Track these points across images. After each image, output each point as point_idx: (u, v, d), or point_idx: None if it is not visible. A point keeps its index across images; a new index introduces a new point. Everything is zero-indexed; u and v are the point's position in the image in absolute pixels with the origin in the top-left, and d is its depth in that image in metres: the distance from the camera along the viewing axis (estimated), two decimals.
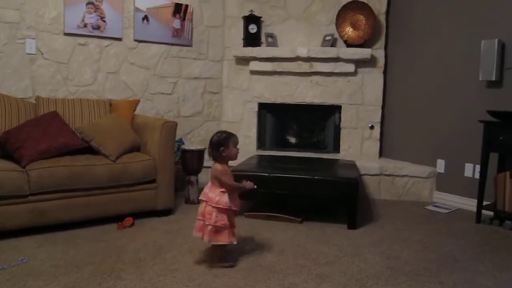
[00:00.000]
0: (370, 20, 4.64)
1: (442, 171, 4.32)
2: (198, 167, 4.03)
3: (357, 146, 4.87)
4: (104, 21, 4.21)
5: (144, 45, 4.51)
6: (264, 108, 5.07)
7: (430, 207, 4.10)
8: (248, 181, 2.70)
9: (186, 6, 4.71)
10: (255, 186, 2.71)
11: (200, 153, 4.01)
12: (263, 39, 4.91)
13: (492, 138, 3.54)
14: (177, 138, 4.08)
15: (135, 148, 3.58)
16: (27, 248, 2.76)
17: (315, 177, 3.47)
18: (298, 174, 3.53)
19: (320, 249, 2.94)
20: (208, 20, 4.92)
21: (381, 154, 4.90)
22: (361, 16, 4.68)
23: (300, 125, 5.26)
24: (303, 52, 4.68)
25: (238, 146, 2.68)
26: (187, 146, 4.15)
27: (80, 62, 4.15)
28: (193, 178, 3.98)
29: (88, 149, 3.37)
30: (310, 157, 4.52)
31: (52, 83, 4.02)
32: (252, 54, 4.80)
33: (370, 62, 4.73)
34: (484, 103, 3.84)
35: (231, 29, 5.01)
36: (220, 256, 2.62)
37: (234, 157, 2.65)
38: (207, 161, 4.33)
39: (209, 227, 2.51)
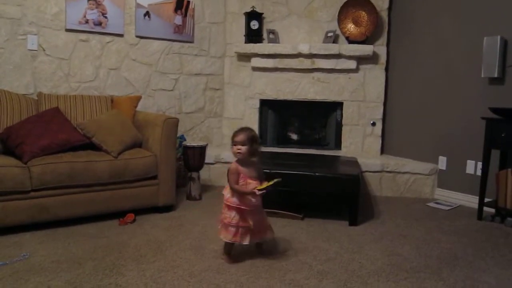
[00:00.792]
0: (372, 16, 4.63)
1: (443, 168, 4.31)
2: (199, 164, 4.03)
3: (359, 143, 4.86)
4: (106, 17, 4.21)
5: (146, 41, 4.50)
6: (266, 105, 5.07)
7: (432, 204, 4.10)
8: (256, 189, 2.51)
9: (188, 2, 4.70)
10: (257, 192, 2.50)
11: (201, 149, 4.01)
12: (264, 35, 4.89)
13: (494, 135, 3.54)
14: (179, 134, 4.08)
15: (137, 145, 3.58)
16: (28, 244, 2.77)
17: (317, 174, 3.46)
18: (299, 171, 3.53)
19: (321, 245, 2.94)
20: (209, 16, 4.91)
21: (382, 151, 4.89)
22: (363, 13, 4.66)
23: (301, 121, 5.26)
24: (304, 48, 4.67)
25: (241, 143, 2.61)
26: (189, 142, 4.15)
27: (81, 58, 4.15)
28: (194, 174, 3.99)
29: (90, 145, 3.38)
30: (312, 153, 4.52)
31: (54, 79, 4.02)
32: (254, 51, 4.79)
33: (372, 58, 4.72)
34: (486, 100, 3.83)
35: (232, 26, 5.00)
36: (226, 251, 2.64)
37: (234, 155, 2.64)
38: (209, 157, 4.35)
39: (222, 222, 2.60)
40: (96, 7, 4.14)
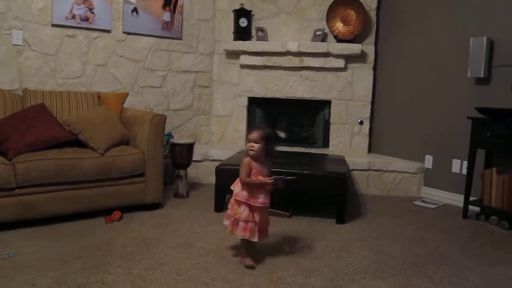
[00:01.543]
0: (361, 15, 4.65)
1: (430, 166, 4.35)
2: (187, 161, 4.01)
3: (346, 141, 4.89)
4: (93, 12, 4.16)
5: (133, 38, 4.47)
6: (254, 103, 5.06)
7: (418, 203, 4.14)
8: (273, 178, 2.52)
9: None
10: (271, 180, 2.50)
11: (189, 147, 4.00)
12: (253, 33, 4.89)
13: (479, 134, 3.58)
14: (167, 132, 4.06)
15: (124, 142, 3.55)
16: (13, 242, 2.73)
17: (304, 172, 3.47)
18: (287, 169, 3.53)
19: (308, 243, 2.95)
20: (198, 13, 4.89)
21: (370, 150, 4.92)
22: (352, 12, 4.68)
23: (290, 120, 5.27)
24: (293, 46, 4.67)
25: (254, 141, 2.55)
26: (177, 140, 4.13)
27: (68, 54, 4.10)
28: (182, 172, 3.97)
29: (76, 142, 3.34)
30: (300, 151, 4.53)
31: (40, 75, 3.97)
32: (243, 48, 4.78)
33: (360, 57, 4.74)
34: (473, 100, 3.88)
35: (221, 23, 4.98)
36: (244, 252, 2.60)
37: (247, 152, 2.59)
38: (196, 155, 4.33)
39: (232, 218, 2.56)
40: (83, 2, 4.10)
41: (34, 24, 3.90)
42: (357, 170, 4.43)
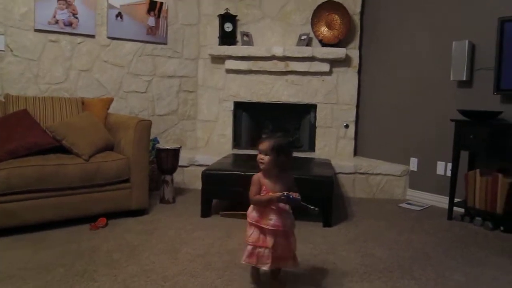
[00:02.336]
0: (345, 20, 4.69)
1: (415, 169, 4.39)
2: (173, 167, 3.98)
3: (332, 145, 4.91)
4: (76, 17, 4.13)
5: (118, 43, 4.44)
6: (240, 107, 5.06)
7: (403, 205, 4.16)
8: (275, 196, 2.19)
9: (161, 3, 4.66)
10: (283, 197, 2.16)
11: (175, 152, 3.97)
12: (238, 37, 4.89)
13: (462, 136, 3.62)
14: (152, 137, 4.04)
15: (109, 147, 3.52)
16: None
17: (291, 176, 3.47)
18: None
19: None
20: (183, 18, 4.88)
21: (355, 153, 4.95)
22: (336, 16, 4.71)
23: (275, 124, 5.27)
24: (278, 51, 4.69)
25: (264, 153, 2.25)
26: (162, 145, 4.10)
27: (51, 59, 4.06)
28: (168, 177, 3.94)
29: (60, 149, 3.29)
30: None
31: (22, 81, 3.92)
32: (228, 53, 4.78)
33: (344, 61, 4.77)
34: (455, 103, 3.92)
35: (206, 28, 4.98)
36: (252, 278, 2.38)
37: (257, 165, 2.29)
38: (182, 160, 4.31)
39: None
40: (67, 7, 4.06)
41: (16, 29, 3.85)
42: (343, 173, 4.44)
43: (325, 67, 4.76)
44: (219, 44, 4.85)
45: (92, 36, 4.26)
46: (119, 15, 4.39)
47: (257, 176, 2.27)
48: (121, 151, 3.49)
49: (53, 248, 2.76)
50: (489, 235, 3.35)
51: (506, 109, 3.58)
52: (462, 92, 3.96)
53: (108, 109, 3.86)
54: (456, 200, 3.74)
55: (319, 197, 3.43)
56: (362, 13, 4.85)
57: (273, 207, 2.21)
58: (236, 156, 4.36)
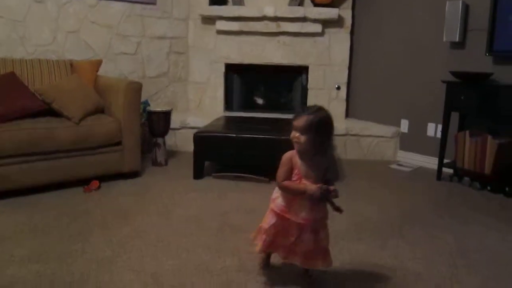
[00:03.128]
0: None
1: (405, 130, 4.42)
2: (164, 129, 3.98)
3: (324, 107, 4.89)
4: None
5: (105, 3, 4.32)
6: (231, 69, 5.01)
7: (394, 166, 4.22)
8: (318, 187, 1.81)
9: None
10: (320, 194, 1.81)
11: (166, 114, 3.95)
12: None
13: (453, 98, 3.63)
14: (143, 99, 3.99)
15: (99, 110, 3.49)
16: None
17: (282, 137, 3.48)
18: (265, 135, 3.55)
19: None
20: None
21: (347, 115, 4.96)
22: None
23: (267, 86, 5.24)
24: (270, 11, 4.60)
25: (299, 130, 1.83)
26: (153, 107, 4.08)
27: (37, 20, 3.95)
28: (160, 140, 3.94)
29: (50, 112, 3.26)
30: (278, 118, 4.53)
31: (8, 43, 3.82)
32: (218, 13, 4.69)
33: (337, 22, 4.70)
34: (448, 64, 3.91)
35: None
36: (260, 260, 2.14)
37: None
38: (174, 123, 4.29)
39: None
40: None
41: None
42: (335, 135, 4.46)
43: (317, 28, 4.69)
44: (209, 4, 4.74)
45: None
46: None
47: (290, 155, 1.88)
48: (111, 114, 3.47)
49: (48, 211, 2.78)
50: (477, 195, 3.42)
51: (498, 70, 3.58)
52: (454, 53, 3.94)
53: (97, 71, 3.80)
54: (445, 161, 3.79)
55: None
56: None
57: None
58: (227, 118, 4.36)
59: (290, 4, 4.70)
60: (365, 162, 4.35)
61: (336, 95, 4.88)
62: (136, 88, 3.47)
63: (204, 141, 3.57)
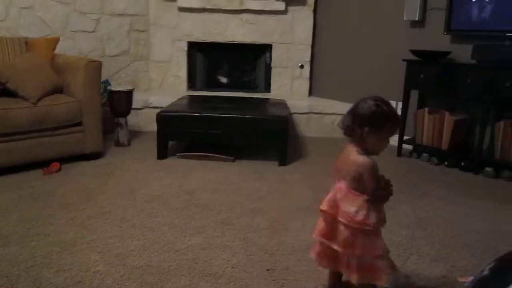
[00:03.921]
0: None
1: None
2: (126, 109, 3.90)
3: (288, 85, 4.93)
4: None
5: None
6: (194, 47, 4.94)
7: None
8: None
9: None
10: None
11: (128, 94, 3.87)
12: None
13: (413, 76, 3.72)
14: (103, 79, 3.89)
15: (57, 90, 3.38)
16: None
17: (246, 116, 3.49)
18: (229, 114, 3.54)
19: (252, 185, 3.02)
20: None
21: (310, 93, 5.00)
22: None
23: (231, 64, 5.20)
24: None
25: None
26: (114, 87, 3.99)
27: None
28: (122, 120, 3.86)
29: (4, 92, 3.13)
30: (242, 96, 4.53)
31: None
32: None
33: (300, 0, 4.69)
34: (408, 43, 3.99)
35: None
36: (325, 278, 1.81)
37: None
38: (136, 102, 4.21)
39: (354, 262, 1.60)
40: None
41: None
42: (298, 113, 4.51)
43: (280, 5, 4.67)
44: None
45: None
46: None
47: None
48: (71, 93, 3.36)
49: (6, 194, 2.70)
50: (434, 170, 3.54)
51: (455, 49, 3.68)
52: (414, 32, 4.02)
53: (54, 49, 3.66)
54: (405, 138, 3.90)
55: (275, 137, 3.49)
56: None
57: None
58: (191, 97, 4.31)
59: None
60: (328, 140, 4.41)
61: (299, 73, 4.90)
62: (96, 66, 3.37)
63: (168, 121, 3.53)
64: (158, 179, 3.09)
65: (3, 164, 2.99)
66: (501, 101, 3.31)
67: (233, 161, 3.55)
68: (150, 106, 4.43)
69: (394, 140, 4.04)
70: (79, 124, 3.32)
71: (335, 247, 1.61)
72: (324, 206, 1.65)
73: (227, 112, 3.58)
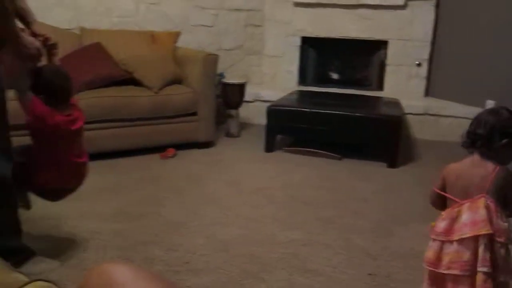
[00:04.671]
0: None
1: None
2: (238, 101, 4.03)
3: (402, 84, 4.70)
4: None
5: None
6: (307, 42, 4.93)
7: None
8: None
9: None
10: None
11: (240, 87, 4.00)
12: None
13: None
14: (218, 71, 4.06)
15: (177, 81, 3.60)
16: None
17: (357, 114, 3.41)
18: (339, 111, 3.48)
19: (358, 185, 2.94)
20: None
21: (427, 93, 4.72)
22: None
23: (343, 60, 5.10)
24: None
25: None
26: (228, 80, 4.14)
27: None
28: (233, 112, 4.01)
29: (131, 81, 3.42)
30: (353, 93, 4.42)
31: (95, 14, 4.02)
32: None
33: None
34: None
35: None
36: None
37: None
38: (248, 95, 4.33)
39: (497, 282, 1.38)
40: None
41: None
42: (412, 114, 4.28)
43: (399, 0, 4.46)
44: None
45: None
46: None
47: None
48: (188, 84, 3.57)
49: (127, 174, 2.95)
50: None
51: None
52: None
53: (175, 42, 3.91)
54: None
55: (385, 137, 3.37)
56: None
57: None
58: (301, 92, 4.32)
59: None
60: (443, 144, 4.13)
61: (416, 72, 4.65)
62: (213, 60, 3.53)
63: (277, 115, 3.58)
64: (264, 171, 3.15)
65: (126, 147, 3.27)
66: None
67: (340, 159, 3.49)
68: (261, 99, 4.52)
69: None
70: (194, 113, 3.51)
71: (484, 270, 1.36)
72: (467, 232, 1.39)
73: (337, 109, 3.53)
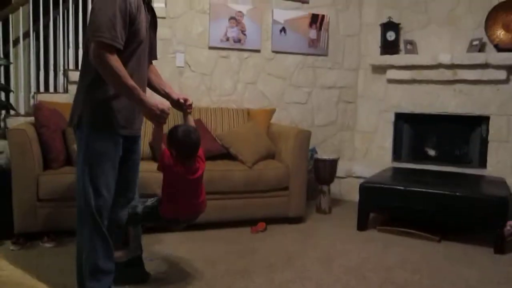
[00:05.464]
0: None
1: None
2: (330, 177, 4.01)
3: (508, 162, 4.37)
4: (245, 34, 4.44)
5: (281, 56, 4.64)
6: (401, 118, 4.85)
7: None
8: None
9: (323, 16, 4.74)
10: None
11: (333, 162, 4.00)
12: (401, 46, 4.70)
13: None
14: (311, 147, 4.12)
15: (270, 156, 3.70)
16: (170, 243, 3.02)
17: (457, 194, 3.21)
18: (437, 189, 3.31)
19: (459, 272, 2.70)
20: (344, 29, 4.88)
21: None
22: None
23: (440, 136, 4.91)
24: (446, 59, 4.38)
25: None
26: (320, 155, 4.16)
27: (221, 73, 4.43)
28: (325, 187, 3.98)
29: (227, 155, 3.58)
30: (452, 171, 4.20)
31: (197, 93, 4.35)
32: (390, 62, 4.63)
33: None
34: None
35: (367, 37, 4.90)
36: None
37: None
38: (340, 171, 4.30)
39: None
40: (236, 25, 4.40)
41: (193, 47, 4.30)
42: None
43: (501, 74, 4.27)
44: (381, 54, 4.73)
45: (258, 51, 4.54)
46: (282, 29, 4.59)
47: None
48: (281, 159, 3.64)
49: (218, 246, 3.01)
50: None
51: None
52: None
53: (270, 119, 4.07)
54: None
55: (490, 220, 3.11)
56: None
57: None
58: (396, 169, 4.20)
59: (469, 50, 4.41)
60: None
61: None
62: (305, 136, 3.61)
63: (371, 192, 3.49)
64: (356, 250, 3.03)
65: (217, 219, 3.36)
66: None
67: (438, 241, 3.26)
68: (353, 175, 4.46)
69: None
70: (285, 188, 3.54)
71: None
72: None
73: (435, 187, 3.35)
